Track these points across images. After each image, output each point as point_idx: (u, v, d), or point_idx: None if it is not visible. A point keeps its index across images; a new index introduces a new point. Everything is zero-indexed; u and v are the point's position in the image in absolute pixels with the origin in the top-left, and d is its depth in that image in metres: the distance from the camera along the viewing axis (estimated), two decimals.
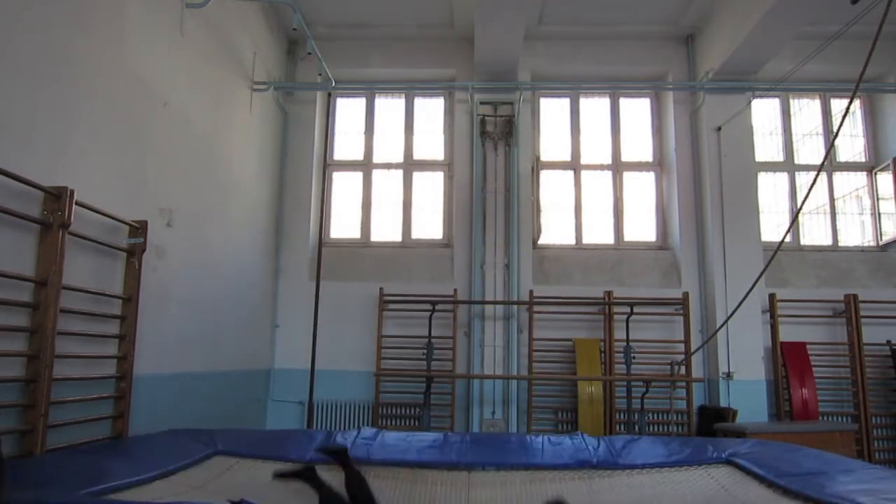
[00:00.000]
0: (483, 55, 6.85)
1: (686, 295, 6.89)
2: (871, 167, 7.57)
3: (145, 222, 4.25)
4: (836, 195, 7.62)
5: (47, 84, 3.47)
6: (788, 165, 7.69)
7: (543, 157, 7.81)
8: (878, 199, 7.44)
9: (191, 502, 2.75)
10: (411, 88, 7.87)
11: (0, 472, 2.11)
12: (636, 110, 7.94)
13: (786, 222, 7.36)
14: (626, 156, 7.81)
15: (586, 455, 4.15)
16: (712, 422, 6.32)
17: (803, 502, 3.08)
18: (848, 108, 4.90)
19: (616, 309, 6.89)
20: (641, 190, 7.75)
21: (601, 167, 7.79)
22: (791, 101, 7.83)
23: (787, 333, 6.82)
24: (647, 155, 7.82)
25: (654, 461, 4.14)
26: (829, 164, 7.57)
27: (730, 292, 6.68)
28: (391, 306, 7.01)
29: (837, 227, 7.54)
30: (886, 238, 7.33)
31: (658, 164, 7.76)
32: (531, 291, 7.02)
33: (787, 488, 3.29)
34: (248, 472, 3.84)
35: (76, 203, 3.46)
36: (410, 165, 7.83)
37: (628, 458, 4.14)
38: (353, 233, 7.73)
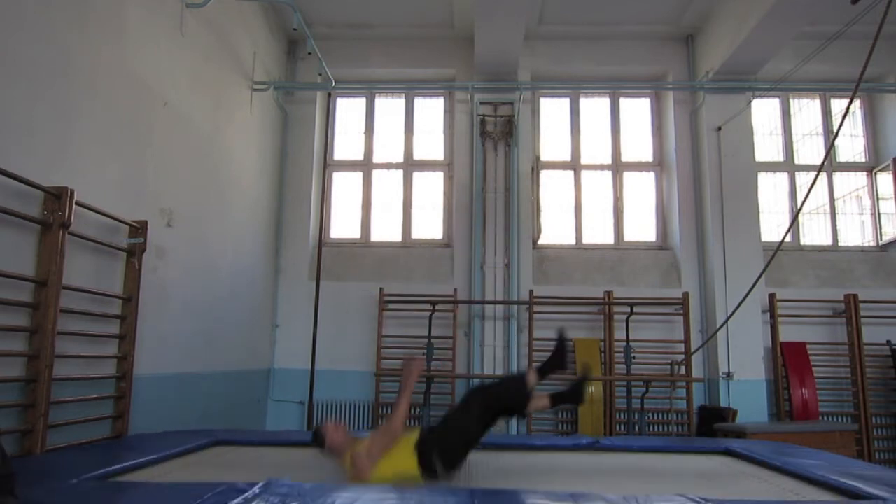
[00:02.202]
0: (483, 55, 6.85)
1: (686, 295, 6.89)
2: (871, 167, 7.57)
3: (145, 222, 4.25)
4: (836, 195, 7.62)
5: (47, 84, 3.47)
6: (788, 165, 7.69)
7: (543, 157, 7.81)
8: (878, 199, 7.44)
9: (192, 482, 2.76)
10: (411, 88, 7.87)
11: (8, 470, 2.13)
12: (636, 110, 7.93)
13: (786, 222, 7.36)
14: (626, 156, 7.81)
15: (586, 440, 4.40)
16: (712, 422, 6.32)
17: (801, 481, 3.13)
18: (848, 108, 4.91)
19: (616, 309, 6.89)
20: (641, 190, 7.75)
21: (601, 167, 7.78)
22: (791, 101, 7.83)
23: (787, 333, 6.82)
24: (647, 155, 7.82)
25: (654, 446, 4.39)
26: (829, 164, 7.57)
27: (730, 292, 6.68)
28: (391, 306, 7.01)
29: (837, 227, 7.54)
30: (886, 238, 7.33)
31: (658, 164, 7.76)
32: (531, 291, 7.01)
33: (786, 470, 3.35)
34: (246, 454, 3.91)
35: (76, 203, 3.46)
36: (410, 165, 7.83)
37: (628, 443, 4.39)
38: (353, 233, 7.73)
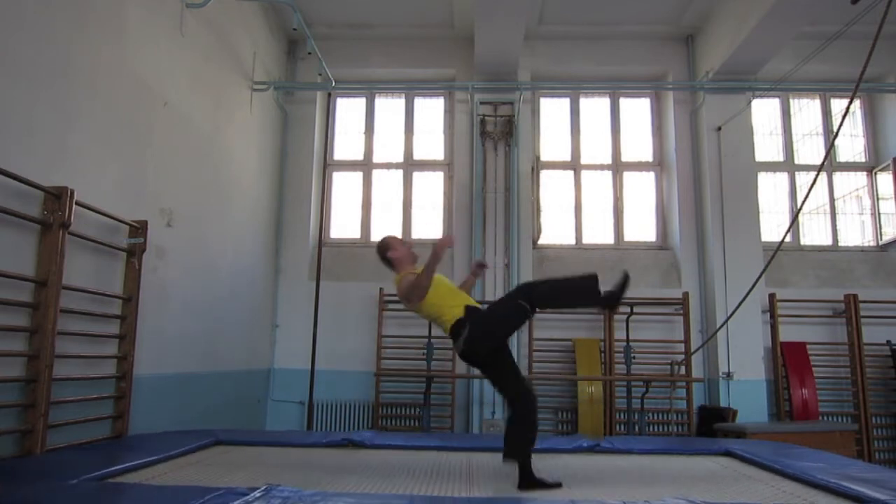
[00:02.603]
0: (483, 55, 6.85)
1: (686, 295, 6.89)
2: (871, 167, 7.56)
3: (145, 222, 4.25)
4: (836, 195, 7.62)
5: (47, 84, 3.47)
6: (788, 165, 7.69)
7: (543, 157, 7.81)
8: (878, 199, 7.44)
9: (187, 486, 2.77)
10: (411, 88, 7.87)
11: None
12: (636, 110, 7.93)
13: (786, 222, 7.35)
14: (626, 156, 7.81)
15: (587, 442, 4.38)
16: (712, 422, 6.32)
17: (802, 485, 3.12)
18: (848, 108, 4.90)
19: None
20: (641, 190, 7.75)
21: (601, 167, 7.78)
22: (791, 101, 7.83)
23: (787, 333, 6.81)
24: (647, 155, 7.82)
25: (655, 448, 4.36)
26: (829, 164, 7.56)
27: (730, 292, 6.68)
28: (391, 306, 7.00)
29: (837, 227, 7.54)
30: (886, 238, 7.33)
31: (658, 164, 7.76)
32: None
33: (785, 472, 3.35)
34: (247, 454, 3.90)
35: (76, 203, 3.46)
36: (410, 165, 7.83)
37: (628, 445, 4.37)
38: (353, 233, 7.73)
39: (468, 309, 3.36)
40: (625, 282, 3.28)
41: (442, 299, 3.40)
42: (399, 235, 3.69)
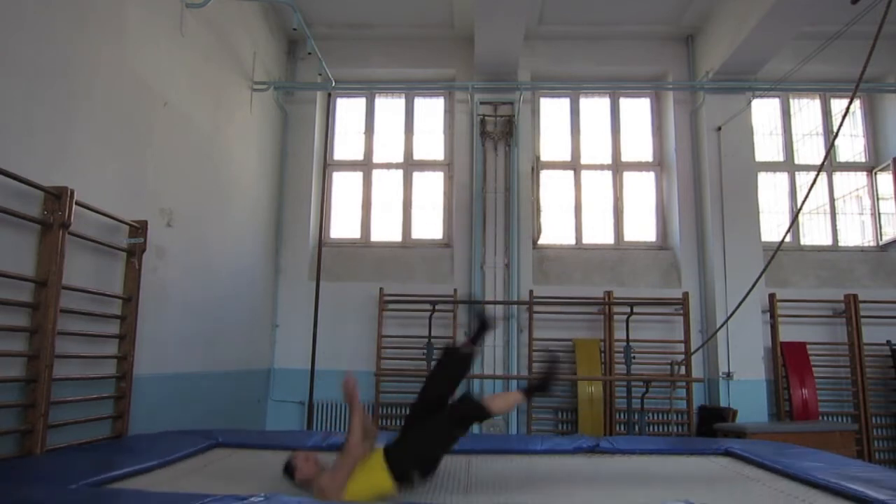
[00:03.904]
0: (483, 55, 6.85)
1: (686, 295, 6.89)
2: (871, 167, 7.56)
3: (145, 222, 4.25)
4: (836, 195, 7.62)
5: (47, 84, 3.47)
6: (788, 165, 7.69)
7: (543, 157, 7.81)
8: (878, 199, 7.44)
9: (184, 492, 2.75)
10: (411, 88, 7.87)
11: None
12: (636, 110, 7.93)
13: (786, 222, 7.35)
14: (626, 156, 7.81)
15: (587, 442, 4.37)
16: (712, 422, 6.32)
17: (801, 484, 3.12)
18: (848, 108, 4.91)
19: (616, 309, 6.89)
20: (641, 190, 7.75)
21: (601, 167, 7.78)
22: (791, 101, 7.83)
23: (787, 333, 6.81)
24: (647, 155, 7.82)
25: (655, 448, 4.35)
26: (829, 164, 7.57)
27: (730, 292, 6.68)
28: (391, 306, 7.01)
29: (837, 227, 7.54)
30: (886, 238, 7.33)
31: (658, 164, 7.76)
32: (531, 291, 7.01)
33: (785, 472, 3.34)
34: (247, 459, 3.87)
35: (76, 203, 3.46)
36: (410, 165, 7.83)
37: (628, 445, 4.35)
38: (353, 233, 7.73)
39: (389, 461, 2.92)
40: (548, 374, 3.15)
41: (361, 478, 2.90)
42: (304, 452, 3.06)
